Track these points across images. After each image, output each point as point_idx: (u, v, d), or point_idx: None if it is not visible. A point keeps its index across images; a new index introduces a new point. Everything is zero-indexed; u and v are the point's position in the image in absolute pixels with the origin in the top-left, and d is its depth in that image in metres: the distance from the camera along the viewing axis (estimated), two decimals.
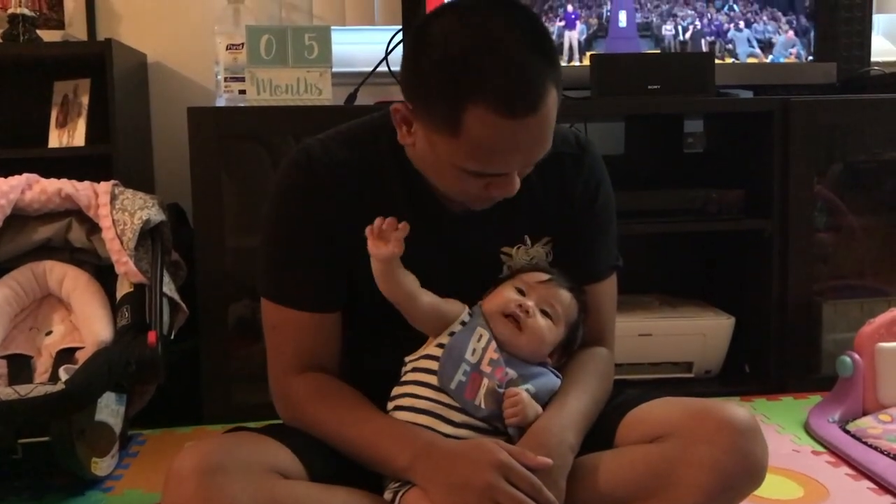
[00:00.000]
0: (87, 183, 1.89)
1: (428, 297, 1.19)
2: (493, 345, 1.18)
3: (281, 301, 1.22)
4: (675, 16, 2.25)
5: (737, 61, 2.27)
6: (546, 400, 1.19)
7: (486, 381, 1.16)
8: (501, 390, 1.16)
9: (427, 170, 1.17)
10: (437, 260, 1.22)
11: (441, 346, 1.19)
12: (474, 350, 1.17)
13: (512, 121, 1.04)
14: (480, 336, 1.19)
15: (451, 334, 1.19)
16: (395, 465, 1.13)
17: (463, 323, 1.21)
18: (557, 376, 1.23)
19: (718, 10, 2.26)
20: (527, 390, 1.17)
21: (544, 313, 1.21)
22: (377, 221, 1.15)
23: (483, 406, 1.15)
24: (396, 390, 1.20)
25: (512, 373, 1.18)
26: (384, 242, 1.14)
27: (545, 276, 1.24)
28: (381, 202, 1.20)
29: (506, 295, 1.22)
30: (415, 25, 1.14)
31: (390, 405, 1.20)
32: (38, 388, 1.53)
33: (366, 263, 1.17)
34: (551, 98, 1.07)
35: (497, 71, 1.03)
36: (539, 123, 1.06)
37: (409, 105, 1.12)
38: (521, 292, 1.22)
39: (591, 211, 1.29)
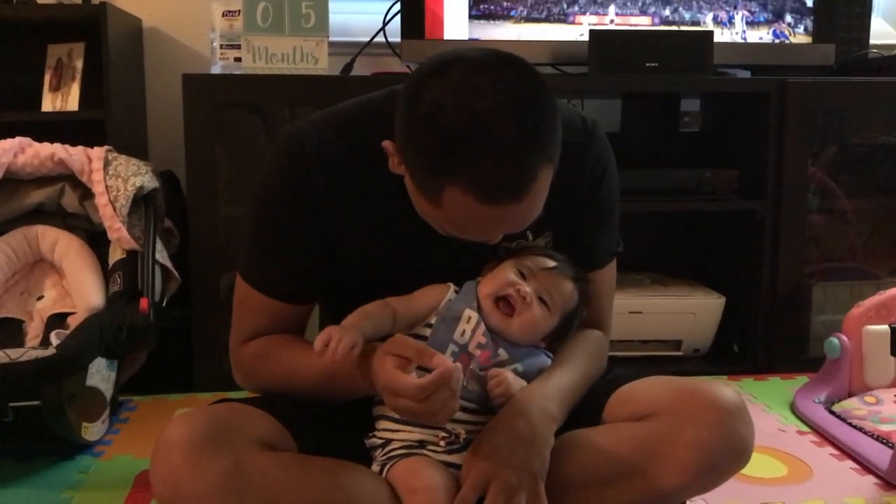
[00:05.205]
0: (80, 148, 1.88)
1: (403, 313, 1.15)
2: (482, 327, 1.16)
3: (252, 284, 1.21)
4: None
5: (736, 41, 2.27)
6: (534, 378, 1.18)
7: (472, 362, 1.15)
8: (482, 373, 1.14)
9: (413, 201, 1.11)
10: (434, 257, 1.19)
11: (429, 325, 1.17)
12: (463, 331, 1.15)
13: (492, 207, 0.99)
14: (469, 317, 1.16)
15: (440, 316, 1.17)
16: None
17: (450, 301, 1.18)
18: (549, 356, 1.22)
19: None
20: (514, 369, 1.16)
21: (541, 300, 1.18)
22: (318, 347, 1.04)
23: (469, 388, 1.14)
24: None
25: (503, 353, 1.16)
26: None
27: (551, 263, 1.20)
28: (375, 197, 1.17)
29: (505, 276, 1.18)
30: (415, 73, 1.03)
31: None
32: (29, 352, 1.53)
33: (356, 253, 1.15)
34: (540, 181, 1.00)
35: (479, 159, 0.96)
36: (523, 208, 1.01)
37: (399, 149, 1.05)
38: (521, 275, 1.18)
39: (596, 201, 1.25)
